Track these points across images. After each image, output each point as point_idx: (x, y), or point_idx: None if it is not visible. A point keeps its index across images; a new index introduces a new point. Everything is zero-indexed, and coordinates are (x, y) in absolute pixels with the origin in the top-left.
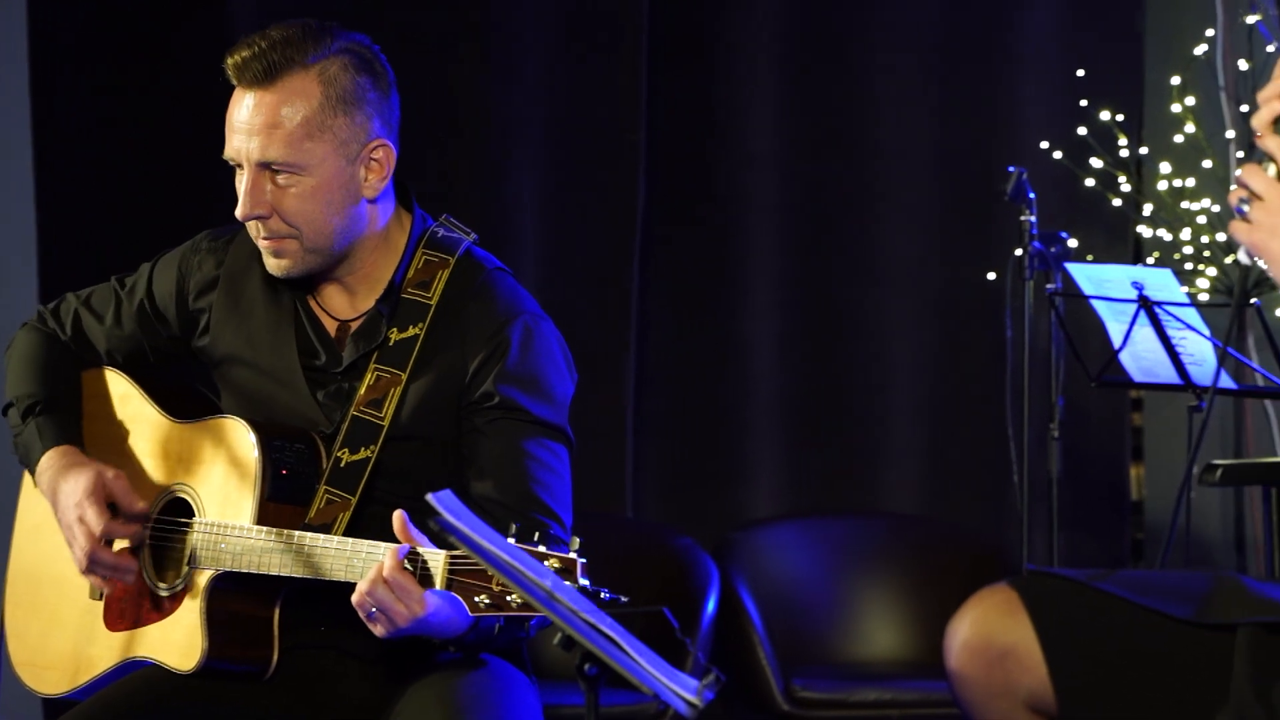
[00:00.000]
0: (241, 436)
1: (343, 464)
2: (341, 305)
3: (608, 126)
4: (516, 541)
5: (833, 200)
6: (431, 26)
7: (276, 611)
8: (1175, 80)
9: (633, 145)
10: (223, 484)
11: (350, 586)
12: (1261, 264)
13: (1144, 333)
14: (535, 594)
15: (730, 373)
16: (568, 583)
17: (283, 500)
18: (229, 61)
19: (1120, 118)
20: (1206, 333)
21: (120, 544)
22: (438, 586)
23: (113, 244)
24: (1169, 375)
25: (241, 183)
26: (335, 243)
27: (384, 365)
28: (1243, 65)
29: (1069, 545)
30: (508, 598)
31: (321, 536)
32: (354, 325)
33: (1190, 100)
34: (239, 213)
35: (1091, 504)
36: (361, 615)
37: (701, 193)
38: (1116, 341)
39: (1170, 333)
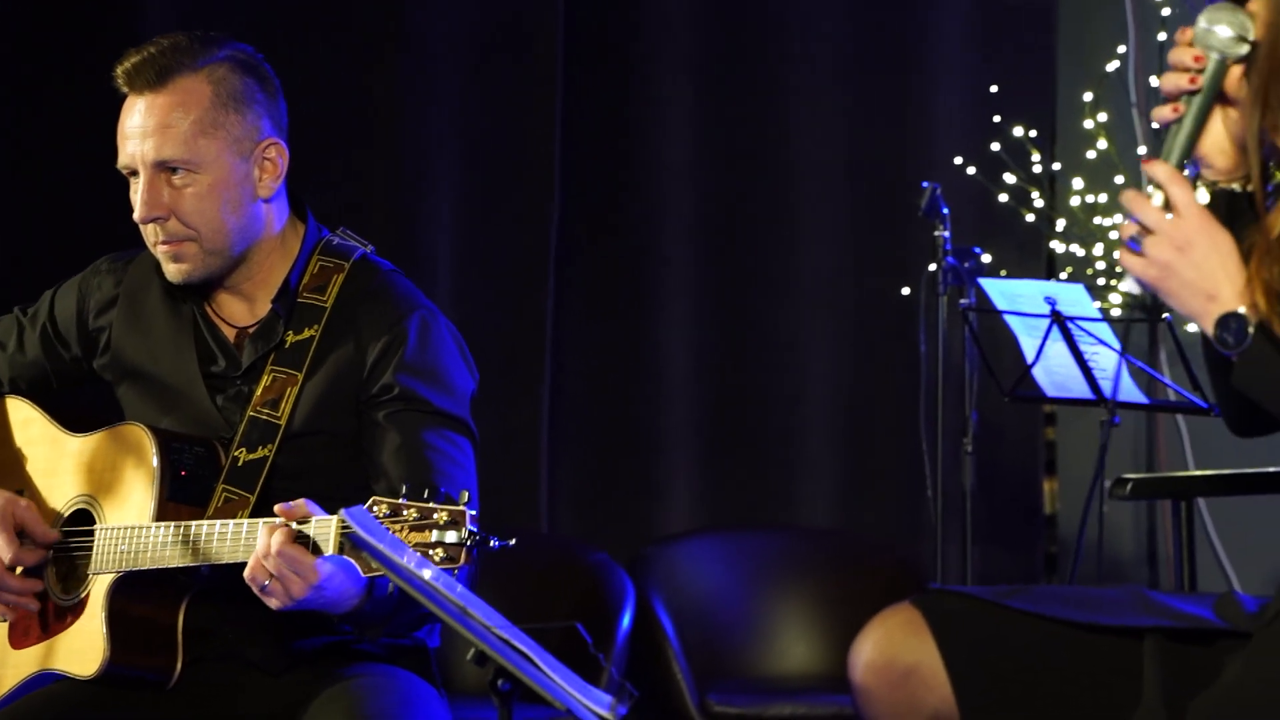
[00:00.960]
0: (140, 440)
1: (240, 463)
2: (239, 312)
3: (523, 139)
4: (407, 499)
5: (748, 214)
6: (346, 41)
7: (180, 618)
8: (1088, 96)
9: (548, 158)
10: (124, 489)
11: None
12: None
13: (1057, 347)
14: (448, 610)
15: (645, 387)
16: (462, 536)
17: (182, 500)
18: (120, 69)
19: (1033, 134)
20: (1118, 347)
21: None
22: (330, 553)
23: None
24: (1081, 390)
25: (138, 190)
26: (233, 244)
27: (280, 366)
28: (1154, 81)
29: (983, 559)
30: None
31: (218, 523)
32: (251, 330)
33: (1102, 116)
34: (138, 215)
35: (1005, 517)
36: (255, 590)
37: (616, 206)
38: (1029, 356)
39: (1082, 347)
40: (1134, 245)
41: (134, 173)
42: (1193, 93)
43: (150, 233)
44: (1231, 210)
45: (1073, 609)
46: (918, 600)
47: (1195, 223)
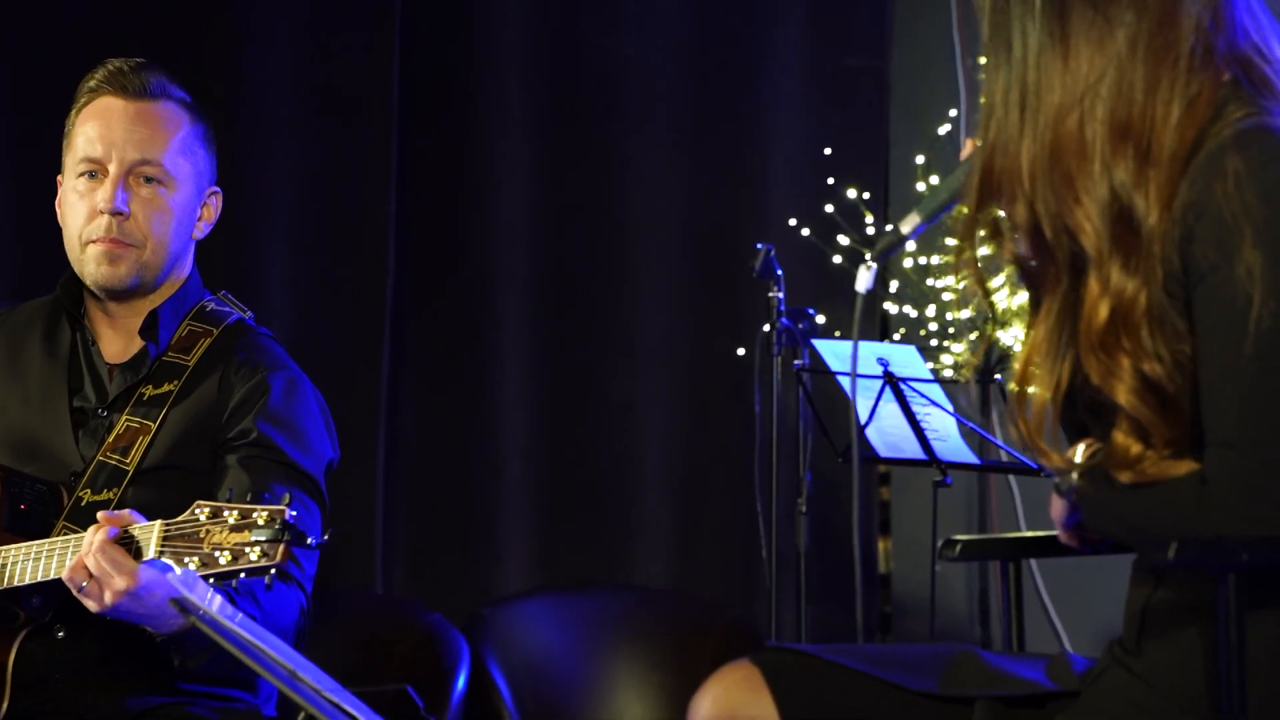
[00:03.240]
0: None
1: (84, 503)
2: (117, 350)
3: (358, 199)
4: (228, 503)
5: (584, 274)
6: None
7: (11, 657)
8: (920, 159)
9: (383, 218)
10: None
11: (90, 634)
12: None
13: (890, 408)
14: (278, 674)
15: (481, 447)
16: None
17: (20, 532)
18: (106, 70)
19: (866, 196)
20: (950, 408)
21: None
22: (151, 555)
23: None
24: (914, 450)
25: (92, 189)
26: (165, 267)
27: (135, 416)
28: None
29: (817, 618)
30: (217, 556)
31: (47, 541)
32: (123, 364)
33: (934, 179)
34: (107, 204)
35: (840, 577)
36: (73, 590)
37: (452, 267)
38: (863, 417)
39: (915, 408)
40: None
41: (94, 172)
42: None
43: (103, 226)
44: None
45: (907, 673)
46: (756, 657)
47: None
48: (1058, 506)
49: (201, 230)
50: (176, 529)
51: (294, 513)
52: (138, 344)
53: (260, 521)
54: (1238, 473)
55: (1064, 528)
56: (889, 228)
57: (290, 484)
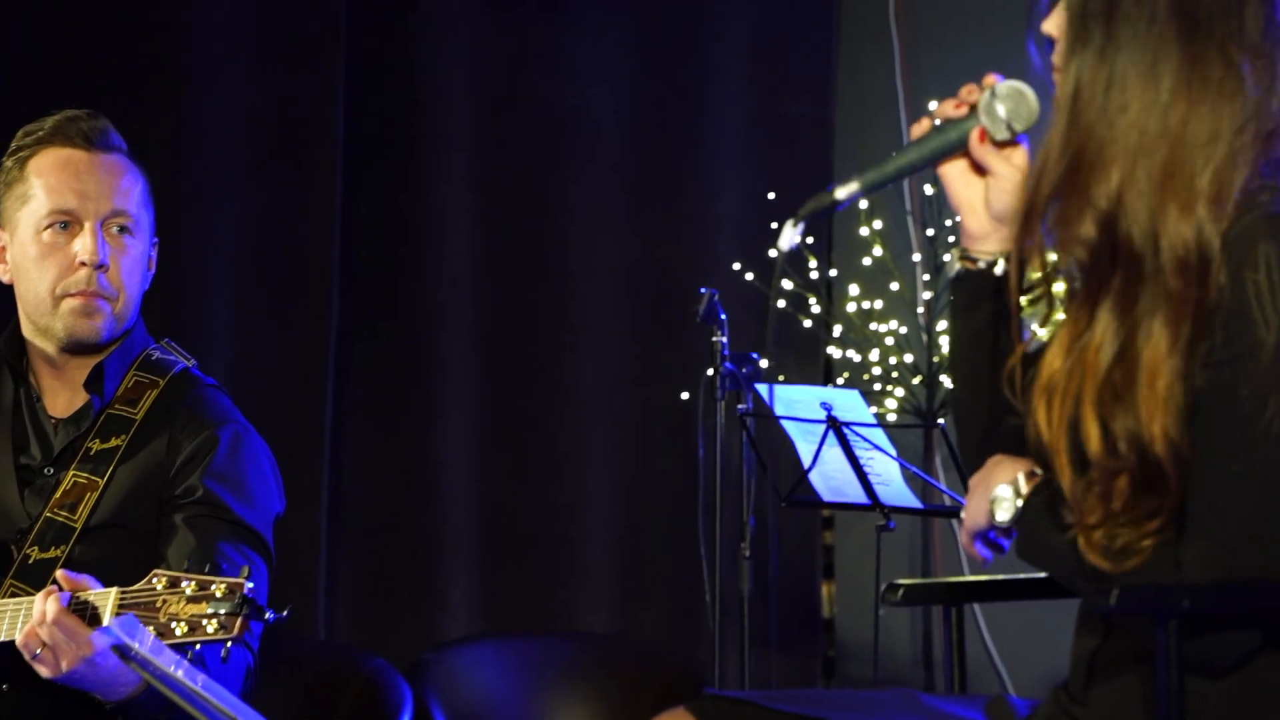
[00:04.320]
0: None
1: (31, 560)
2: (62, 404)
3: (301, 243)
4: (187, 572)
5: (528, 320)
6: (125, 136)
7: None
8: (864, 204)
9: (326, 262)
10: None
11: (36, 693)
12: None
13: (833, 452)
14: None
15: (425, 492)
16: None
17: None
18: (60, 120)
19: (810, 240)
20: (893, 452)
21: None
22: (107, 624)
23: None
24: (857, 495)
25: (75, 240)
26: (129, 319)
27: (82, 472)
28: (928, 190)
29: (761, 663)
30: (173, 627)
31: None
32: (68, 418)
33: (878, 224)
34: (92, 257)
35: (783, 622)
36: (27, 656)
37: (396, 310)
38: (806, 461)
39: (858, 453)
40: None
41: (65, 223)
42: (943, 126)
43: (84, 278)
44: (976, 294)
45: (846, 717)
46: (692, 705)
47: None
48: (978, 512)
49: (148, 281)
50: (132, 598)
51: (252, 584)
52: (83, 397)
53: (218, 594)
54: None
55: (978, 536)
56: (851, 187)
57: (237, 542)
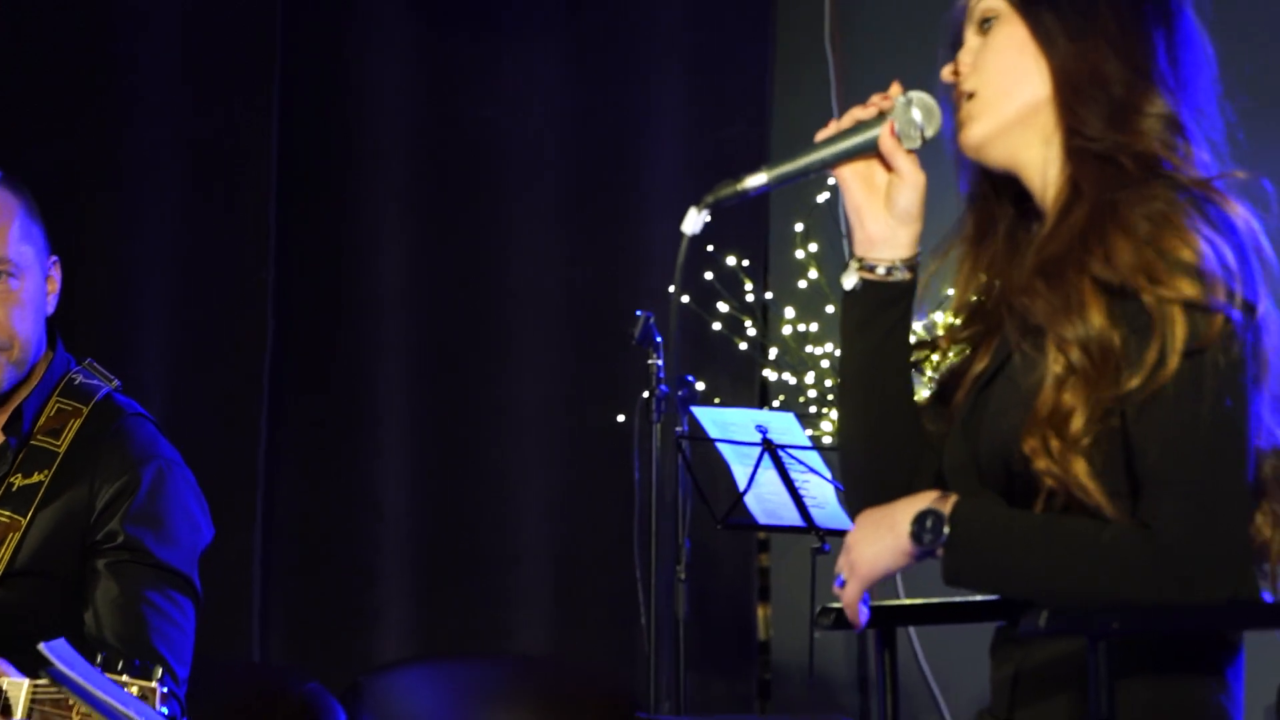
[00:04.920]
0: None
1: None
2: None
3: (236, 270)
4: (101, 669)
5: (463, 342)
6: (59, 164)
7: None
8: (799, 227)
9: (260, 288)
10: None
11: None
12: None
13: (768, 475)
14: None
15: (360, 514)
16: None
17: None
18: None
19: (746, 263)
20: (829, 475)
21: None
22: (18, 716)
23: None
24: (792, 517)
25: None
26: (30, 358)
27: (4, 510)
28: None
29: (697, 686)
30: None
31: None
32: None
33: (813, 247)
34: None
35: (719, 644)
36: None
37: (332, 334)
38: (741, 484)
39: (793, 475)
40: (840, 582)
41: None
42: (854, 128)
43: None
44: (875, 306)
45: None
46: None
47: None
48: (884, 550)
49: (51, 305)
50: (44, 692)
51: (165, 690)
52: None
53: (133, 694)
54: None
55: (864, 597)
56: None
57: (162, 586)
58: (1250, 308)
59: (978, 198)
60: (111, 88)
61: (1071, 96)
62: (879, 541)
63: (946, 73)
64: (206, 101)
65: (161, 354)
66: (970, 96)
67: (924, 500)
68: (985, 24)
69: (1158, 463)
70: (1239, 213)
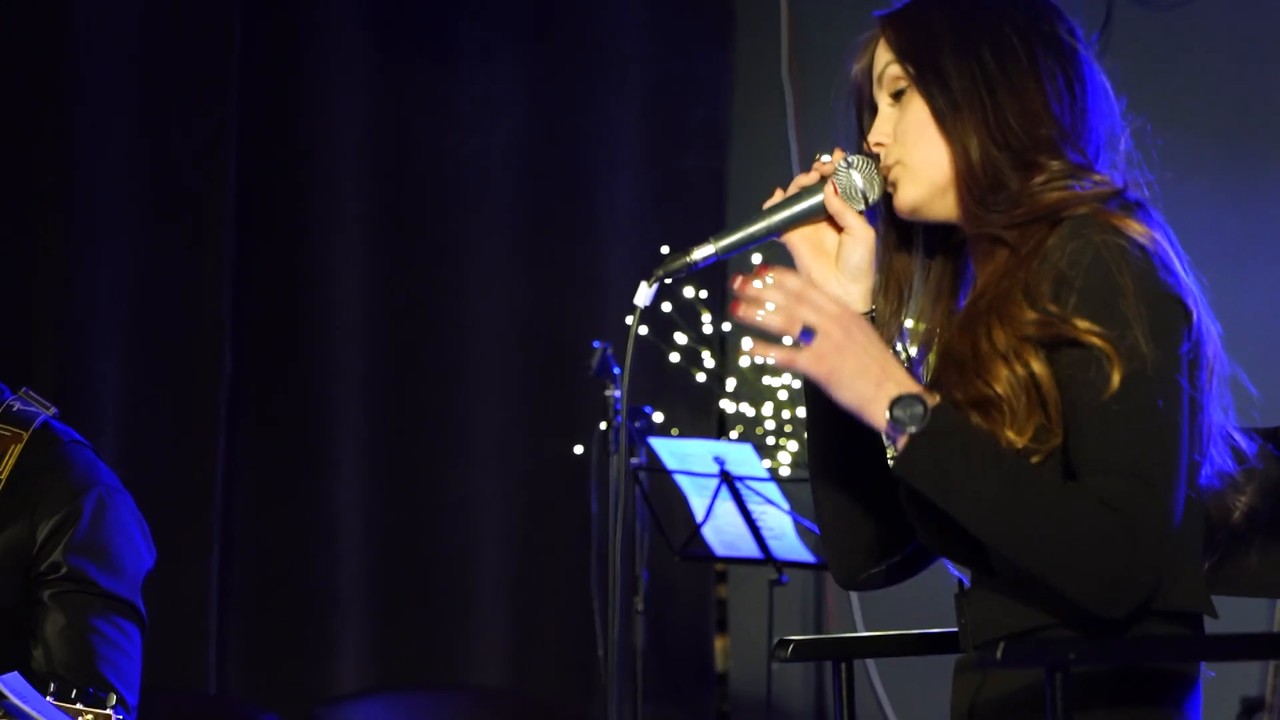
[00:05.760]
0: None
1: None
2: None
3: (192, 296)
4: (54, 700)
5: (420, 372)
6: (9, 186)
7: None
8: (757, 258)
9: (217, 317)
10: None
11: None
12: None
13: (726, 506)
14: None
15: (318, 545)
16: None
17: None
18: None
19: (704, 294)
20: (786, 507)
21: None
22: None
23: None
24: (750, 549)
25: None
26: None
27: None
28: None
29: (654, 717)
30: None
31: None
32: None
33: (770, 279)
34: None
35: (677, 676)
36: None
37: (288, 363)
38: (699, 515)
39: (751, 507)
40: (806, 336)
41: None
42: (798, 194)
43: None
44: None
45: None
46: None
47: (857, 321)
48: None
49: None
50: None
51: (119, 717)
52: None
53: None
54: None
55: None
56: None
57: (109, 614)
58: (1183, 304)
59: (901, 245)
60: (67, 113)
61: (966, 193)
62: (860, 379)
63: (869, 143)
64: (163, 127)
65: (117, 382)
66: (897, 163)
67: (918, 387)
68: (897, 95)
69: (1103, 449)
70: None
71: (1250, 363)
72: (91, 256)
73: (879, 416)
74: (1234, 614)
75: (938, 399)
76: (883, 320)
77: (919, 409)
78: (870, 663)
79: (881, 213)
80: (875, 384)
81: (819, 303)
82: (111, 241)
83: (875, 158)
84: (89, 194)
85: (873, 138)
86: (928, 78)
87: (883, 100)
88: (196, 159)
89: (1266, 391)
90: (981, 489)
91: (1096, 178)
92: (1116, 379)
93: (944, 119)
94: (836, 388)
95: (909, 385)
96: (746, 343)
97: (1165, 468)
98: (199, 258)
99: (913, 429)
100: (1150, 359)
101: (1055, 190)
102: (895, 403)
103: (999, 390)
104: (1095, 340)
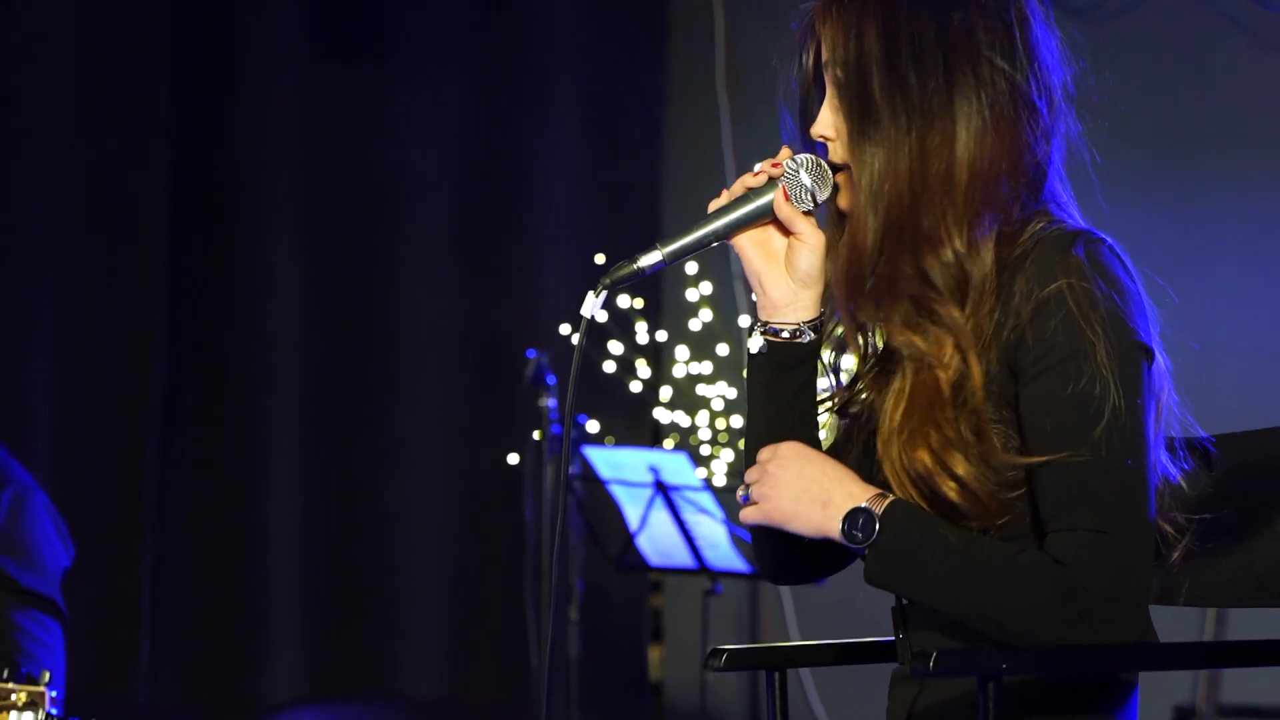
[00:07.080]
0: None
1: None
2: None
3: (127, 308)
4: None
5: (354, 381)
6: None
7: None
8: (692, 268)
9: (151, 325)
10: None
11: None
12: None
13: (660, 516)
14: None
15: (251, 554)
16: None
17: None
18: None
19: (639, 304)
20: (721, 516)
21: None
22: None
23: None
24: (684, 559)
25: None
26: None
27: None
28: None
29: None
30: None
31: None
32: None
33: (706, 288)
34: None
35: (611, 685)
36: None
37: (222, 372)
38: (634, 525)
39: (686, 516)
40: (745, 499)
41: None
42: (745, 195)
43: None
44: (781, 368)
45: None
46: None
47: (785, 449)
48: (801, 501)
49: None
50: None
51: (54, 693)
52: None
53: (19, 702)
54: (1105, 558)
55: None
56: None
57: (29, 610)
58: (1149, 352)
59: None
60: None
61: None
62: (805, 508)
63: (815, 132)
64: (97, 136)
65: (50, 391)
66: (844, 162)
67: (862, 494)
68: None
69: (1065, 502)
70: (1116, 276)
71: (1181, 372)
72: (23, 263)
73: (836, 537)
74: (1167, 624)
75: (886, 502)
76: (831, 324)
77: (870, 523)
78: (805, 672)
79: (830, 212)
80: (820, 506)
81: (752, 472)
82: (43, 249)
83: (823, 148)
84: (22, 202)
85: (816, 129)
86: (851, 95)
87: (830, 89)
88: (130, 166)
89: (1195, 397)
90: (944, 582)
91: (1048, 209)
92: (1084, 435)
93: (861, 143)
94: (788, 522)
95: (855, 495)
96: (681, 352)
97: (1134, 524)
98: (132, 265)
99: (868, 544)
100: (1123, 412)
101: (1007, 216)
102: (845, 520)
103: (965, 480)
104: (1060, 400)
